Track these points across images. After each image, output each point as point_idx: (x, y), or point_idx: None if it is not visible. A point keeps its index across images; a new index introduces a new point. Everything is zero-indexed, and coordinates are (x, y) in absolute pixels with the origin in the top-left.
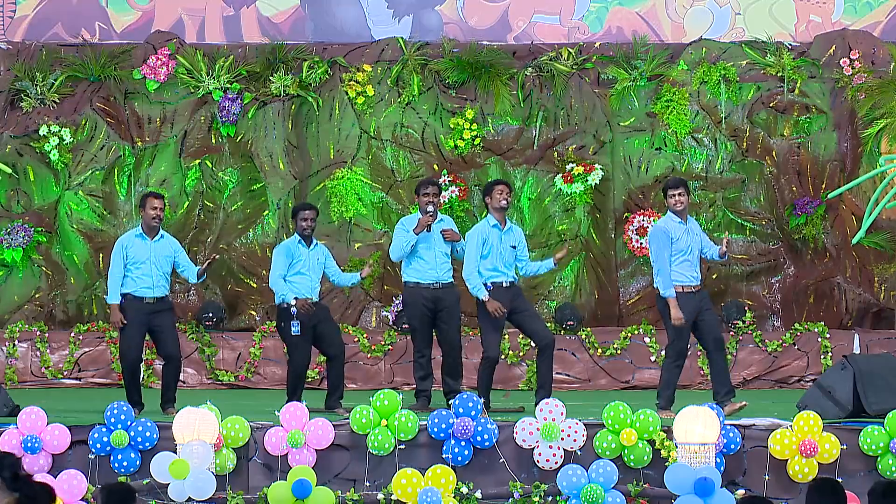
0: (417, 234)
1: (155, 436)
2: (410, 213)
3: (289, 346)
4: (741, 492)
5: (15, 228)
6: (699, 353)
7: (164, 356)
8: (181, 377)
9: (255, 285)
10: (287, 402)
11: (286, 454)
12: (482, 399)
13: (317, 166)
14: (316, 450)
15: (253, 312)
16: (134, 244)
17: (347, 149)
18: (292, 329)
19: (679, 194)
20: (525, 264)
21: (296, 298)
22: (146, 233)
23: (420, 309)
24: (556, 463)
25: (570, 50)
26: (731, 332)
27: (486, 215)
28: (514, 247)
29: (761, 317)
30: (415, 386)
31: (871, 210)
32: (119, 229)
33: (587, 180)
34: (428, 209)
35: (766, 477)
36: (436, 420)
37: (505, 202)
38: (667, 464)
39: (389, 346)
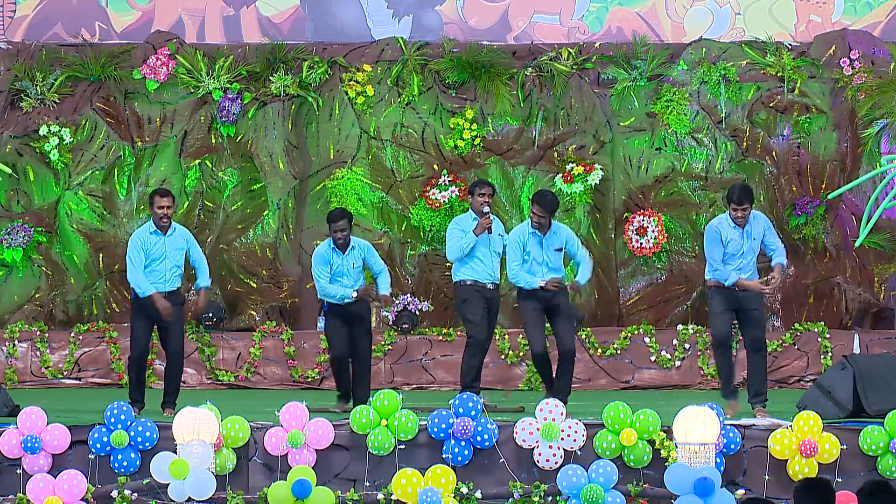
0: (478, 236)
1: (155, 436)
2: (411, 212)
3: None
4: (741, 492)
5: (15, 228)
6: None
7: (167, 351)
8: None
9: (255, 285)
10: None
11: (286, 454)
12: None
13: (317, 166)
14: (316, 450)
15: (253, 312)
16: (149, 240)
17: (347, 149)
18: (319, 323)
19: (743, 209)
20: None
21: (355, 291)
22: (159, 229)
23: (481, 304)
24: (556, 463)
25: (570, 50)
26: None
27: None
28: (560, 249)
29: None
30: (416, 386)
31: (869, 211)
32: (119, 229)
33: (587, 180)
34: (484, 210)
35: (766, 477)
36: (436, 420)
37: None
38: (667, 464)
39: (389, 346)
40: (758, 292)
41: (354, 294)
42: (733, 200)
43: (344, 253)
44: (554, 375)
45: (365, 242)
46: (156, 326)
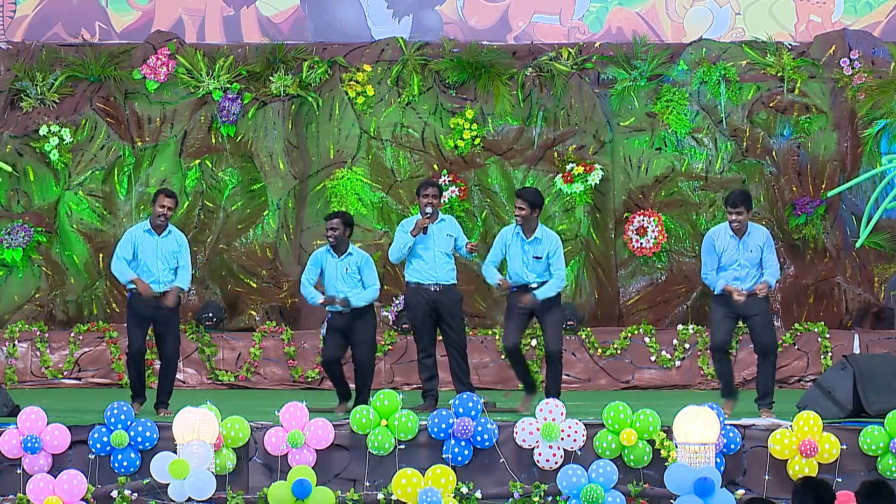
0: (414, 236)
1: (155, 436)
2: (411, 213)
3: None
4: (741, 492)
5: (15, 228)
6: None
7: (161, 354)
8: (181, 377)
9: (255, 285)
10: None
11: (286, 454)
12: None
13: (317, 166)
14: (316, 450)
15: (253, 312)
16: (142, 239)
17: (347, 149)
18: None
19: (738, 212)
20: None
21: (324, 298)
22: (153, 229)
23: (421, 309)
24: (556, 463)
25: (570, 50)
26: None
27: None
28: (539, 258)
29: None
30: (416, 386)
31: (870, 212)
32: (119, 229)
33: (587, 180)
34: (426, 210)
35: (766, 477)
36: (436, 420)
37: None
38: (667, 464)
39: (389, 346)
40: (735, 298)
41: (321, 301)
42: (728, 203)
43: (339, 257)
44: (545, 378)
45: (366, 255)
46: (152, 329)
